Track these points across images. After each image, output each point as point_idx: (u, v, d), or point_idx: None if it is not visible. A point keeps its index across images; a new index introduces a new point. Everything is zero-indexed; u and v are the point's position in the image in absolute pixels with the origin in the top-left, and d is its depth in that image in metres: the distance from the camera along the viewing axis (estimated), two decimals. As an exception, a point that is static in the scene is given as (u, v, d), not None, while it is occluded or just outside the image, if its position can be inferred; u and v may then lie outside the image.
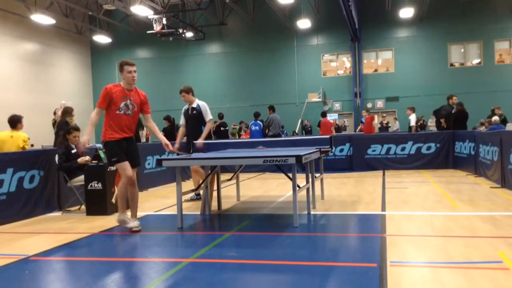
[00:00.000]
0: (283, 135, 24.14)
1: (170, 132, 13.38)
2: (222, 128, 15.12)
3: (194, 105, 7.76)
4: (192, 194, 7.85)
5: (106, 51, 29.84)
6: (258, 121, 14.48)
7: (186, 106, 7.88)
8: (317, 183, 7.44)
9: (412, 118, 16.16)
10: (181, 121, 7.97)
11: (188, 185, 9.53)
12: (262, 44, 27.66)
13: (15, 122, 7.83)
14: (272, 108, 13.85)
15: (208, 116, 7.75)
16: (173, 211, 6.78)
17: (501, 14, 24.75)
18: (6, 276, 4.05)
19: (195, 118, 7.73)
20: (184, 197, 7.77)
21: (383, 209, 6.50)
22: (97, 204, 6.81)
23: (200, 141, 7.54)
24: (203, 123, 7.72)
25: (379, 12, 25.95)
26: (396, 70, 26.39)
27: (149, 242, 5.25)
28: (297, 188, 5.48)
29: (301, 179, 6.20)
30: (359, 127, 20.59)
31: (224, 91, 28.29)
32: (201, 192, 6.87)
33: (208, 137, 7.87)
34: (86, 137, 5.48)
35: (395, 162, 11.98)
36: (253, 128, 14.33)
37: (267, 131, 13.71)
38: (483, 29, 24.80)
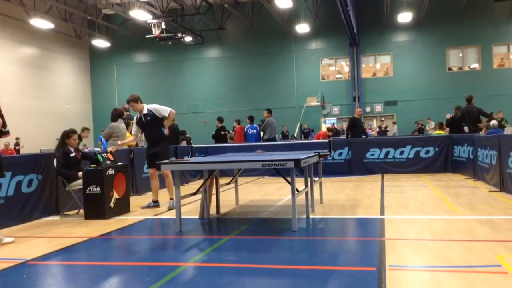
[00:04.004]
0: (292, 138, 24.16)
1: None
2: (222, 132, 15.09)
3: (145, 111, 7.61)
4: (150, 201, 7.83)
5: (105, 55, 29.89)
6: (254, 125, 14.41)
7: (137, 115, 7.72)
8: (316, 187, 7.44)
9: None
10: (134, 130, 7.83)
11: (187, 189, 9.52)
12: (261, 48, 27.73)
13: (127, 125, 10.01)
14: (269, 111, 13.71)
15: (166, 111, 7.57)
16: (172, 215, 6.77)
17: (499, 18, 24.86)
18: (4, 281, 4.03)
19: (151, 123, 7.60)
20: (142, 205, 7.87)
21: (382, 213, 6.50)
22: (96, 208, 6.79)
23: (166, 125, 7.62)
24: (161, 124, 7.65)
25: (377, 17, 26.05)
26: (395, 75, 26.47)
27: (148, 246, 5.24)
28: (296, 192, 5.48)
29: (300, 183, 6.20)
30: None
31: (223, 95, 28.34)
32: (197, 196, 6.86)
33: (174, 136, 7.75)
34: None
35: (394, 166, 11.97)
36: (250, 131, 14.23)
37: (262, 134, 13.63)
38: (481, 33, 24.91)
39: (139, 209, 7.62)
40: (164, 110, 7.60)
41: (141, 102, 7.67)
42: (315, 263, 4.18)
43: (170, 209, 7.47)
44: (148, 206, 7.74)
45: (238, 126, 15.49)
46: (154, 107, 7.63)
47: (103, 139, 14.94)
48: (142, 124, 7.69)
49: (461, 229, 5.23)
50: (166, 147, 7.71)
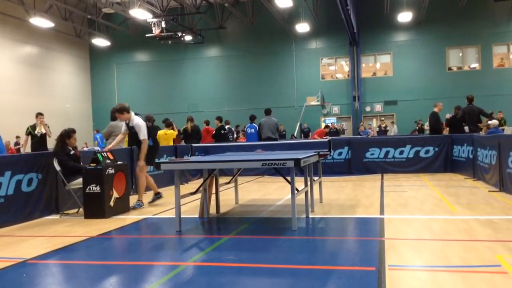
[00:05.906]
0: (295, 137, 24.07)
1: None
2: (222, 131, 15.08)
3: (131, 124, 7.64)
4: (153, 196, 8.06)
5: (105, 55, 29.86)
6: (254, 124, 14.42)
7: (126, 121, 7.79)
8: (316, 187, 7.44)
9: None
10: (123, 129, 7.96)
11: (187, 188, 9.52)
12: (261, 47, 27.71)
13: (170, 124, 11.65)
14: (266, 111, 13.57)
15: (142, 135, 7.57)
16: (171, 214, 6.77)
17: (499, 18, 24.86)
18: (3, 280, 4.03)
19: (134, 136, 7.72)
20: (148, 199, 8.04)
21: (382, 212, 6.50)
22: (95, 207, 6.79)
23: (141, 160, 7.61)
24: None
25: (377, 16, 26.03)
26: (395, 74, 26.46)
27: (147, 245, 5.24)
28: (296, 192, 5.48)
29: (299, 183, 6.21)
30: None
31: (223, 94, 28.32)
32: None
33: (150, 155, 7.76)
34: None
35: (394, 165, 11.97)
36: (249, 131, 14.28)
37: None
38: (481, 33, 24.90)
39: (139, 208, 7.62)
40: (141, 133, 7.57)
41: (128, 112, 7.62)
42: (315, 263, 4.19)
43: (149, 202, 7.88)
44: (153, 200, 7.98)
45: (206, 126, 15.62)
46: (138, 125, 7.56)
47: (98, 139, 14.91)
48: (130, 130, 7.79)
49: (460, 229, 5.23)
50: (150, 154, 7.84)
